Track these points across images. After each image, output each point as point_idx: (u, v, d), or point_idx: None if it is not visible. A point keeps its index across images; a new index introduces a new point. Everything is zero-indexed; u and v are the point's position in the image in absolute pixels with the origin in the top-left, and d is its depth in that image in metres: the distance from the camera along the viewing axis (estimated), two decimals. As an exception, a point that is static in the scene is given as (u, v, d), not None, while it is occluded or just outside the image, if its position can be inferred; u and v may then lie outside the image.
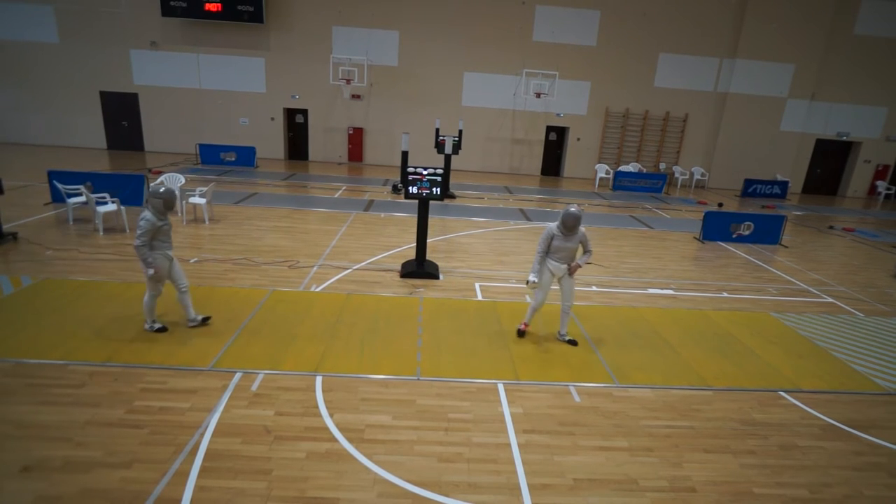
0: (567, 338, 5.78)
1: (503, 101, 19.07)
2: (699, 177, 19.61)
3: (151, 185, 4.98)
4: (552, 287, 5.70)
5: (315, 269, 7.63)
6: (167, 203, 4.96)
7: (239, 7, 17.11)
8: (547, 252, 5.45)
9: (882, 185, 19.65)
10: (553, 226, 5.38)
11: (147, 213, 4.89)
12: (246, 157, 17.10)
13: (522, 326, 5.86)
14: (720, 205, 15.87)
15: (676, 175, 19.35)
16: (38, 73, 17.70)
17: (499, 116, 19.30)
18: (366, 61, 18.02)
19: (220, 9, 17.09)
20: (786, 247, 11.19)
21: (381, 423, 4.16)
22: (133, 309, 5.80)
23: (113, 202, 8.94)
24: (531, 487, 3.56)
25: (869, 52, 18.88)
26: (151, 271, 4.94)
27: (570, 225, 5.22)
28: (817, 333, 6.56)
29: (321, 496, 3.35)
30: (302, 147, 19.69)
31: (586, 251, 5.47)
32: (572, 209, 5.21)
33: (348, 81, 17.81)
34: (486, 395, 4.65)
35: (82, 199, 9.13)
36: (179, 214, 9.96)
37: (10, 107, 17.94)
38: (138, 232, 4.84)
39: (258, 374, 4.72)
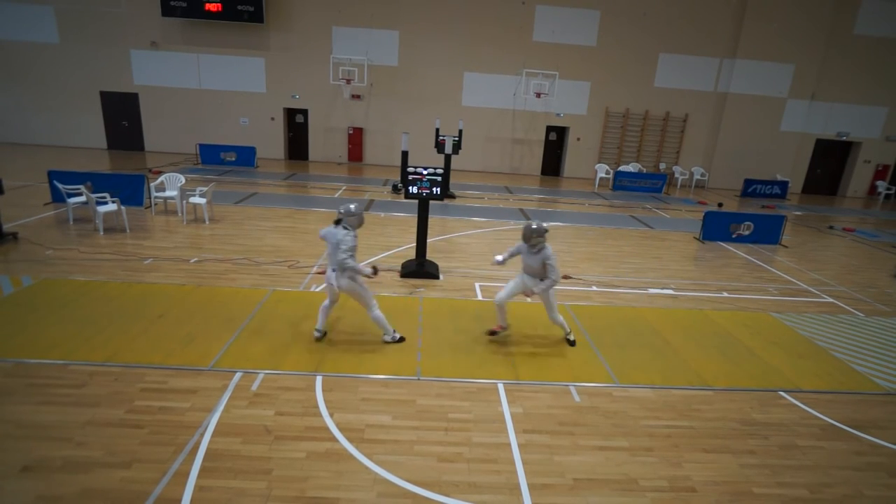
0: (568, 336, 5.78)
1: (503, 101, 19.06)
2: (699, 177, 19.60)
3: (342, 206, 5.07)
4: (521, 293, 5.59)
5: (315, 268, 7.63)
6: (361, 220, 5.12)
7: (239, 7, 17.11)
8: (516, 255, 5.50)
9: (882, 185, 19.64)
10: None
11: (351, 232, 4.99)
12: (246, 157, 17.10)
13: (496, 328, 5.82)
14: (720, 205, 15.87)
15: (676, 175, 19.35)
16: (38, 73, 17.69)
17: (499, 116, 19.30)
18: (366, 61, 18.02)
19: (220, 9, 17.09)
20: (786, 247, 11.18)
21: (381, 423, 4.16)
22: (132, 308, 5.80)
23: (113, 202, 8.96)
24: (531, 487, 3.56)
25: (869, 52, 18.87)
26: (369, 270, 5.02)
27: (524, 235, 5.22)
28: (817, 333, 6.56)
29: (321, 496, 3.35)
30: (302, 147, 19.68)
31: (547, 277, 5.21)
32: (531, 222, 5.24)
33: (348, 81, 17.80)
34: (486, 395, 4.66)
35: (82, 198, 9.13)
36: (179, 214, 9.97)
37: (10, 107, 17.93)
38: (348, 252, 4.90)
39: (258, 373, 4.72)
